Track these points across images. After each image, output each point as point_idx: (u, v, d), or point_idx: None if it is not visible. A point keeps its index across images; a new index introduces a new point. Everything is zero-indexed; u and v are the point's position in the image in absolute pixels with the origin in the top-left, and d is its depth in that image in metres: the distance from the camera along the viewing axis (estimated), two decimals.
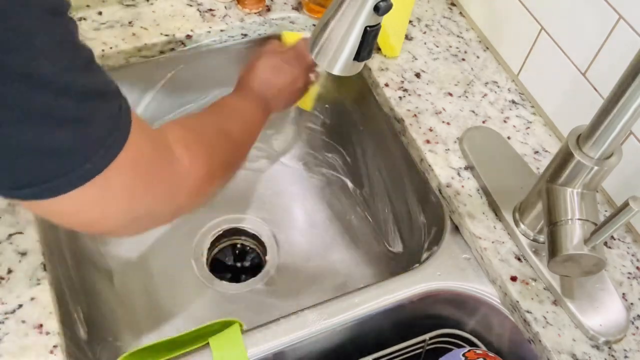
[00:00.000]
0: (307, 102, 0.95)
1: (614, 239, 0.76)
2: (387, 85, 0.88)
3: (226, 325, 0.66)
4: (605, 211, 0.79)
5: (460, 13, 1.00)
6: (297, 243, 0.99)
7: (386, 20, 0.83)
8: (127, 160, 0.47)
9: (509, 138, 0.84)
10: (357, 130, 0.98)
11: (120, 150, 0.47)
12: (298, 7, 0.95)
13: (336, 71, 0.60)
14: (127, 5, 0.90)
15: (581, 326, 0.68)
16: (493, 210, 0.77)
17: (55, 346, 0.61)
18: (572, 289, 0.69)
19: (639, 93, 0.56)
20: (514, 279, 0.71)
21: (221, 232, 0.99)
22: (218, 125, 0.69)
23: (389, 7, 0.55)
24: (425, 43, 0.94)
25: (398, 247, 0.93)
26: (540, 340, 0.67)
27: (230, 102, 0.76)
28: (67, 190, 0.45)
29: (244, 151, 0.74)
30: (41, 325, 0.62)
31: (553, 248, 0.65)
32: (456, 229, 0.77)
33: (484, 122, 0.85)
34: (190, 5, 0.92)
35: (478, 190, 0.78)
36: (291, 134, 1.07)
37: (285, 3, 0.95)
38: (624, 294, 0.71)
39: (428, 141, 0.82)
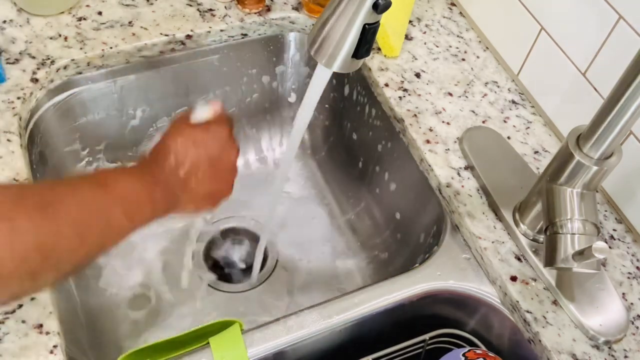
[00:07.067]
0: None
1: (614, 239, 0.76)
2: (387, 85, 0.88)
3: (226, 325, 0.66)
4: (606, 211, 0.79)
5: (460, 13, 1.00)
6: (297, 243, 0.99)
7: (386, 20, 0.83)
8: None
9: (509, 138, 0.84)
10: (357, 131, 0.98)
11: None
12: (298, 7, 0.95)
13: (335, 68, 0.60)
14: (127, 5, 0.90)
15: (581, 326, 0.68)
16: (493, 210, 0.77)
17: (55, 346, 0.61)
18: (572, 289, 0.69)
19: (639, 93, 0.57)
20: (514, 279, 0.71)
21: (221, 232, 0.99)
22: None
23: (387, 5, 0.56)
24: (425, 43, 0.94)
25: (398, 247, 0.93)
26: (540, 340, 0.67)
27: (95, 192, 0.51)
28: None
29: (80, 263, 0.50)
30: (41, 325, 0.62)
31: (548, 257, 0.66)
32: (456, 228, 0.77)
33: (484, 122, 0.85)
34: (190, 5, 0.92)
35: (478, 190, 0.78)
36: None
37: (285, 3, 0.95)
38: (624, 294, 0.71)
39: (428, 141, 0.82)
